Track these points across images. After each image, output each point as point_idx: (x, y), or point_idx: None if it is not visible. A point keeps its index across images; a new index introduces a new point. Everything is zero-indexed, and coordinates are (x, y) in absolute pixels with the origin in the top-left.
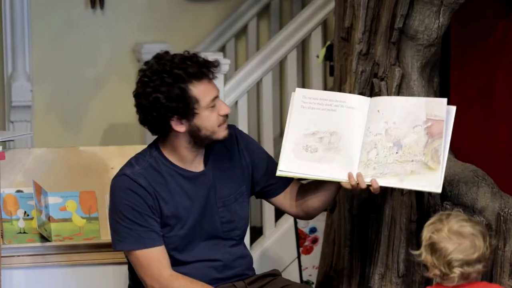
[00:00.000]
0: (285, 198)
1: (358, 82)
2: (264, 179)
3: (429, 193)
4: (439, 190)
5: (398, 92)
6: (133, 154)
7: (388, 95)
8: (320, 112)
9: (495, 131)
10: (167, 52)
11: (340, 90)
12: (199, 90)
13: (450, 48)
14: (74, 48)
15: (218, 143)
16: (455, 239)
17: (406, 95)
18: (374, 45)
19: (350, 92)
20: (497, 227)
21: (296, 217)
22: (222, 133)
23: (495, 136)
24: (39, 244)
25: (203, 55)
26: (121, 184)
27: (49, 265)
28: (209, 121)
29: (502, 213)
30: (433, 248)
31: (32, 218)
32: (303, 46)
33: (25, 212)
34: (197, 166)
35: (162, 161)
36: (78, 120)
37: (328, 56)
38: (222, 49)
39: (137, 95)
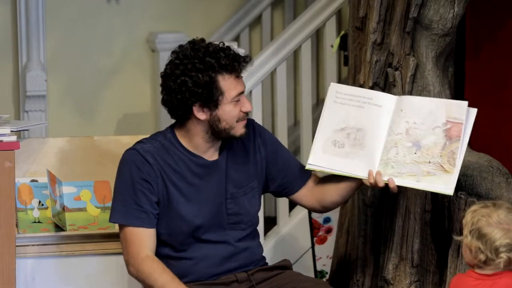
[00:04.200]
0: (304, 195)
1: (372, 72)
2: (281, 175)
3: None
4: (451, 192)
5: (413, 82)
6: None
7: (402, 85)
8: (349, 108)
9: (510, 120)
10: (203, 40)
11: (354, 80)
12: (227, 82)
13: (465, 38)
14: (89, 38)
15: (234, 139)
16: (504, 225)
17: (421, 85)
18: (389, 34)
19: (364, 82)
20: None
21: (311, 210)
22: (240, 130)
23: (510, 126)
24: (53, 233)
25: (235, 49)
26: (128, 157)
27: (63, 255)
28: (230, 114)
29: None
30: (480, 233)
31: (46, 208)
32: (317, 36)
33: (39, 201)
34: (210, 155)
35: (175, 145)
36: (92, 110)
37: (343, 46)
38: (237, 38)
39: (165, 75)
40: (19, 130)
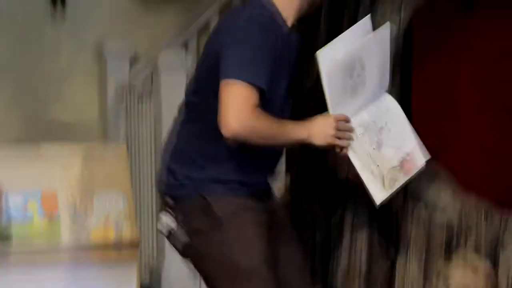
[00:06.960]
0: None
1: None
2: None
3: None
4: (377, 203)
5: None
6: (95, 153)
7: None
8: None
9: (458, 128)
10: None
11: None
12: None
13: (412, 45)
14: (36, 46)
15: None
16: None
17: None
18: None
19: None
20: (458, 225)
21: None
22: None
23: (458, 133)
24: None
25: None
26: (263, 20)
27: (9, 266)
28: None
29: (463, 212)
30: None
31: None
32: None
33: None
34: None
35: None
36: (39, 117)
37: None
38: (185, 45)
39: None
40: None
